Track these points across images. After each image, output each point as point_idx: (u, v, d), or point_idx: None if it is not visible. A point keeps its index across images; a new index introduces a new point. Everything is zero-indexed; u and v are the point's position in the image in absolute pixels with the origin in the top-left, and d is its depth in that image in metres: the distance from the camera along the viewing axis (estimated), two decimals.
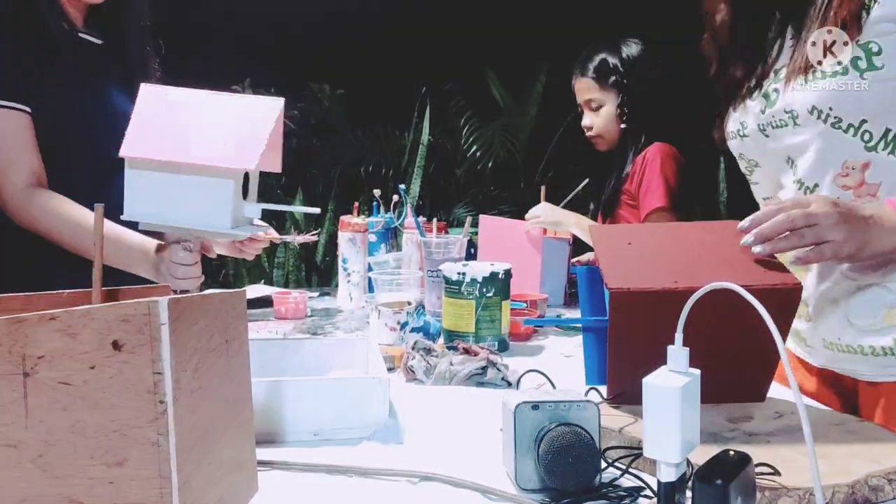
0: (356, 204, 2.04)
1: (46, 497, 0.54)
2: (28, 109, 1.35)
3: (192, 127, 1.17)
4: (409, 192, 3.43)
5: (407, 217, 1.97)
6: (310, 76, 4.77)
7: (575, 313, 1.71)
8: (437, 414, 1.03)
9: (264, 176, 1.34)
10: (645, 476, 0.76)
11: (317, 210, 1.41)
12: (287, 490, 0.78)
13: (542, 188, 2.07)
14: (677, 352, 0.64)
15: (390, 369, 1.22)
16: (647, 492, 0.74)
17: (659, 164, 1.96)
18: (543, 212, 1.96)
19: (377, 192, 2.04)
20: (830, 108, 1.01)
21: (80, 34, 1.44)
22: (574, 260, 1.99)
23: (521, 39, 4.44)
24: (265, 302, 1.85)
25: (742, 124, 1.14)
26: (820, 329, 1.10)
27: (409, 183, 3.89)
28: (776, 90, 1.08)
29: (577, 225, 1.95)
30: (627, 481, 0.76)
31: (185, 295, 0.57)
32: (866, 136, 1.01)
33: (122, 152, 1.16)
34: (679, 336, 0.65)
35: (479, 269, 1.39)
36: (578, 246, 2.01)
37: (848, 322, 1.06)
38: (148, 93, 1.20)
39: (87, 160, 1.40)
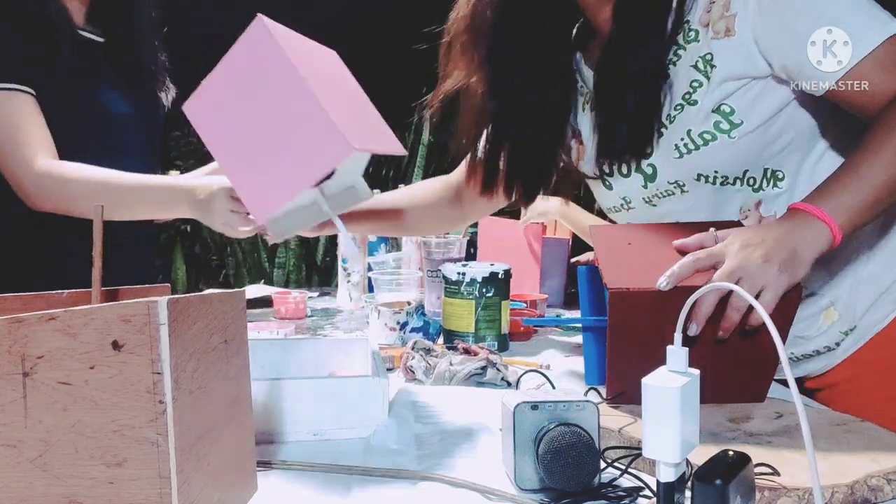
0: None
1: (46, 497, 0.54)
2: (32, 91, 1.34)
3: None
4: None
5: None
6: None
7: (575, 313, 1.71)
8: (436, 414, 1.03)
9: None
10: (644, 476, 0.76)
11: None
12: (287, 490, 0.78)
13: None
14: (677, 352, 0.64)
15: (390, 369, 1.22)
16: (647, 492, 0.74)
17: None
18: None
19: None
20: (716, 171, 1.06)
21: (81, 31, 1.43)
22: (574, 260, 1.99)
23: None
24: (265, 302, 1.85)
25: (625, 199, 1.17)
26: None
27: (409, 183, 3.88)
28: (651, 165, 1.11)
29: (563, 214, 1.92)
30: (627, 481, 0.76)
31: (184, 295, 0.57)
32: (751, 181, 1.07)
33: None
34: (678, 336, 0.65)
35: (479, 269, 1.39)
36: (578, 245, 2.01)
37: (794, 337, 1.10)
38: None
39: (74, 159, 1.39)
